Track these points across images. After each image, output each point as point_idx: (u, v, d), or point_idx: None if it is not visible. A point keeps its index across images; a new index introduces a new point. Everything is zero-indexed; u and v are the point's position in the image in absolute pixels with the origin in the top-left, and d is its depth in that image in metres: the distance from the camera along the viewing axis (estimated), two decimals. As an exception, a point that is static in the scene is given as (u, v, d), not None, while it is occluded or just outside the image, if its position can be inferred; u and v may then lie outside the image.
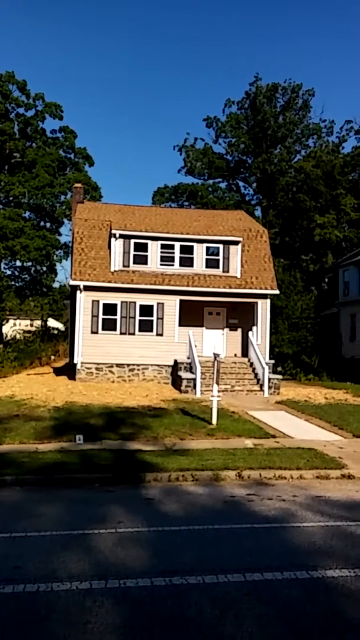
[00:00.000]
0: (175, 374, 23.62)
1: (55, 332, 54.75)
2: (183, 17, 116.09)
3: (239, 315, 26.19)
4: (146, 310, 24.56)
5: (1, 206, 44.80)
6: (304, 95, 51.87)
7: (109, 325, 24.34)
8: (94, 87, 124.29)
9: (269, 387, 22.39)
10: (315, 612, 5.06)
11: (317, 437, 13.85)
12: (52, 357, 39.17)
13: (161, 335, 24.56)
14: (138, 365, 24.43)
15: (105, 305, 24.35)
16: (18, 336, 48.10)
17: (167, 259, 25.18)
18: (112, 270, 24.69)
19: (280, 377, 23.86)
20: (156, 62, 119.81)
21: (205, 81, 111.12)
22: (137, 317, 24.49)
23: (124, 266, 24.83)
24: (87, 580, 5.60)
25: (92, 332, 24.21)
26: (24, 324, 56.59)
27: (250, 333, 24.94)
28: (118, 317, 24.40)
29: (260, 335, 24.92)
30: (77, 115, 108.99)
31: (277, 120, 51.82)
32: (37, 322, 58.08)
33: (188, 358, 23.65)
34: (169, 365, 24.41)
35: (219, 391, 15.48)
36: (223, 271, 25.46)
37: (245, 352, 25.56)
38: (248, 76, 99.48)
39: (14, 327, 53.80)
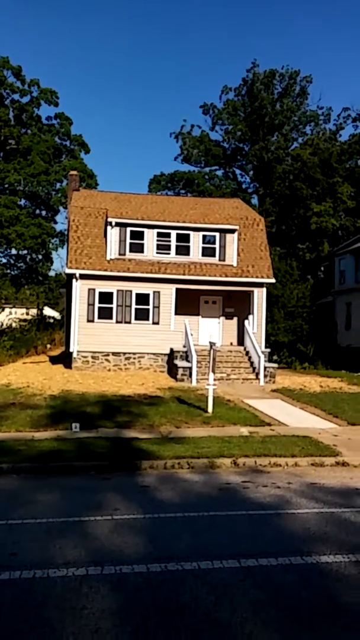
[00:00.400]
0: (172, 362, 23.66)
1: (51, 320, 54.59)
2: (180, 4, 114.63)
3: (235, 304, 26.18)
4: (142, 298, 24.52)
5: (-4, 194, 44.46)
6: (301, 82, 51.48)
7: (105, 314, 24.31)
8: (89, 74, 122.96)
9: (265, 376, 22.46)
10: (310, 597, 5.12)
11: (312, 425, 13.94)
12: (48, 346, 39.14)
13: (157, 323, 24.55)
14: (134, 353, 24.44)
15: (101, 293, 24.29)
16: (14, 325, 47.94)
17: (163, 247, 25.09)
18: (108, 258, 24.60)
19: (275, 365, 23.93)
20: (152, 49, 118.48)
21: (201, 68, 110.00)
22: (134, 306, 24.45)
23: (120, 254, 24.74)
24: (83, 566, 5.64)
25: (88, 321, 24.18)
26: (19, 313, 56.33)
27: (246, 322, 24.96)
28: (114, 305, 24.36)
29: (256, 324, 24.94)
30: (73, 102, 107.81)
31: (274, 107, 51.44)
32: (33, 311, 57.80)
33: (184, 347, 23.68)
34: (165, 354, 24.44)
35: (214, 380, 15.53)
36: (219, 260, 25.41)
37: (241, 341, 25.60)
38: (245, 63, 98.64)
39: (9, 316, 53.59)
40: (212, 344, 15.60)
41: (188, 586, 5.25)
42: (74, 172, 30.97)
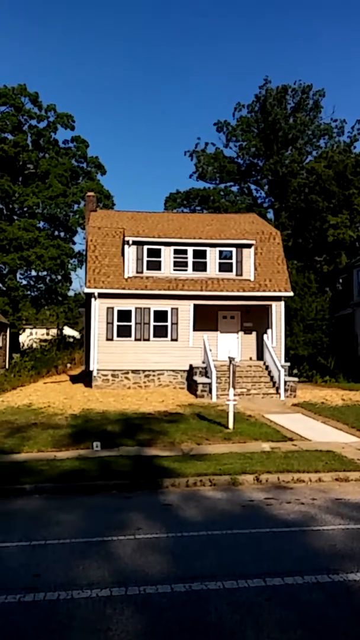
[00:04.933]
0: (191, 378, 23.60)
1: (71, 340, 55.15)
2: (193, 23, 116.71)
3: (253, 319, 26.10)
4: (160, 315, 24.60)
5: (16, 217, 45.33)
6: (314, 96, 51.68)
7: (124, 332, 24.43)
8: (104, 95, 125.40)
9: (285, 390, 22.25)
10: (337, 616, 5.01)
11: (335, 439, 13.72)
12: (68, 365, 39.41)
13: (176, 340, 24.58)
14: (153, 370, 24.47)
15: (119, 311, 24.45)
16: (34, 345, 48.53)
17: (180, 264, 25.22)
18: (126, 276, 24.80)
19: (296, 379, 23.70)
20: (166, 68, 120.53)
21: (215, 86, 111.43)
22: (152, 323, 24.54)
23: (137, 272, 24.93)
24: (107, 587, 5.61)
25: (107, 339, 24.32)
26: (40, 333, 57.05)
27: (265, 336, 24.84)
28: (133, 323, 24.48)
29: (275, 338, 24.80)
30: (88, 123, 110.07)
31: (287, 121, 51.67)
32: (53, 331, 58.53)
33: (203, 362, 23.62)
34: (184, 370, 24.40)
35: (234, 395, 15.43)
36: (236, 274, 25.42)
37: (260, 355, 25.45)
38: (258, 79, 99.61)
39: (30, 337, 54.29)
40: (231, 359, 15.54)
41: (213, 606, 5.18)
42: (91, 194, 31.46)
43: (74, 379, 30.02)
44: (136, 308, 24.54)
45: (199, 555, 6.52)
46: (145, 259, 25.03)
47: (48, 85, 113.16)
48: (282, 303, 25.39)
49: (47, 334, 58.00)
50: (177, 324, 24.63)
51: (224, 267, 25.49)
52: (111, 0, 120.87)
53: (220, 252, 25.62)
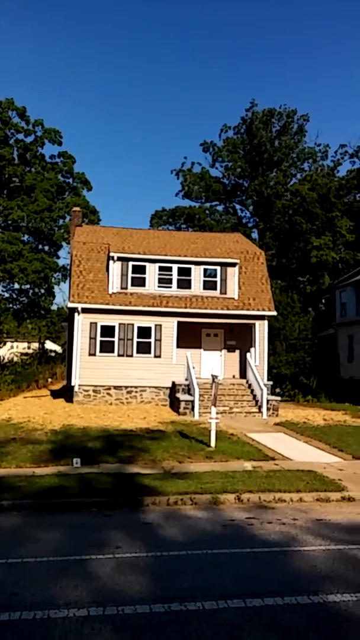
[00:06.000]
0: (173, 395, 23.52)
1: (53, 354, 54.59)
2: (181, 42, 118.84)
3: (236, 337, 26.21)
4: (144, 332, 24.57)
5: (0, 230, 45.12)
6: (299, 120, 52.86)
7: (107, 347, 24.32)
8: (92, 112, 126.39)
9: (268, 409, 22.28)
10: (317, 638, 4.97)
11: (316, 459, 13.75)
12: (50, 380, 38.99)
13: (159, 357, 24.53)
14: (136, 387, 24.34)
15: (103, 327, 24.36)
16: (15, 359, 47.90)
17: (164, 281, 25.29)
18: (110, 292, 24.78)
19: (278, 398, 23.77)
20: (154, 87, 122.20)
21: (202, 106, 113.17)
22: (135, 339, 24.48)
23: (122, 288, 24.92)
24: (84, 607, 5.50)
25: (90, 354, 24.17)
26: (21, 347, 56.37)
27: (248, 354, 24.92)
28: (116, 339, 24.40)
29: (258, 357, 24.90)
30: (76, 139, 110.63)
31: (273, 144, 52.66)
32: (35, 345, 57.88)
33: (186, 380, 23.58)
34: (167, 387, 24.32)
35: (217, 413, 15.40)
36: (220, 293, 25.57)
37: (243, 374, 25.51)
38: (244, 101, 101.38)
39: (11, 350, 53.62)
40: (214, 377, 15.54)
41: (192, 627, 5.10)
42: (77, 209, 31.51)
43: (55, 394, 29.69)
44: (120, 324, 24.48)
45: (178, 575, 6.44)
46: (130, 275, 25.06)
47: (35, 100, 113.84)
48: (266, 322, 25.55)
49: (29, 347, 57.35)
50: (160, 340, 24.61)
51: (209, 285, 25.63)
52: (102, 18, 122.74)
53: (205, 270, 25.78)
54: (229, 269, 25.73)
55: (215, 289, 25.61)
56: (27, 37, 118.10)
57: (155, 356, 24.54)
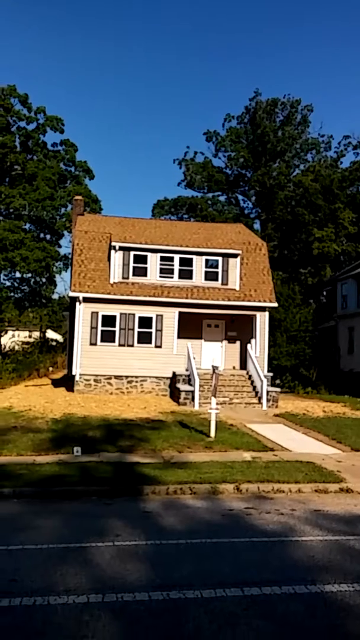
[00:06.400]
0: (174, 386, 23.58)
1: (54, 343, 54.68)
2: (184, 32, 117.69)
3: (237, 328, 26.22)
4: (145, 322, 24.58)
5: (1, 218, 44.96)
6: (302, 110, 52.40)
7: (108, 337, 24.35)
8: (95, 100, 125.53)
9: (268, 400, 22.35)
10: (314, 627, 5.03)
11: (315, 450, 13.81)
12: (51, 369, 39.10)
13: (160, 347, 24.57)
14: (136, 377, 24.40)
15: (104, 316, 24.38)
16: (17, 347, 48.00)
17: (166, 271, 25.27)
18: (111, 282, 24.76)
19: (278, 389, 23.83)
20: (157, 76, 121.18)
21: (205, 95, 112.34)
22: (136, 329, 24.51)
23: (123, 278, 24.91)
24: (84, 594, 5.56)
25: (91, 344, 24.21)
26: (22, 335, 56.38)
27: (248, 345, 24.95)
28: (117, 328, 24.42)
29: (259, 348, 24.93)
30: (78, 127, 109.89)
31: (276, 134, 52.28)
32: (36, 334, 57.91)
33: (187, 370, 23.63)
34: (167, 377, 24.38)
35: (217, 404, 15.46)
36: (222, 284, 25.55)
37: (243, 365, 25.55)
38: (248, 91, 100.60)
39: (12, 339, 53.66)
40: (214, 368, 15.58)
41: (190, 615, 5.16)
42: (79, 197, 31.38)
43: (56, 383, 29.78)
44: (121, 314, 24.49)
45: (177, 563, 6.50)
46: (132, 264, 25.03)
47: (38, 87, 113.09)
48: (267, 313, 25.55)
49: (30, 336, 57.38)
50: (161, 330, 24.63)
51: (210, 276, 25.60)
52: (105, 8, 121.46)
53: (207, 260, 25.74)
54: (231, 260, 25.68)
55: (216, 279, 25.58)
56: (29, 26, 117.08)
57: (156, 346, 24.58)
